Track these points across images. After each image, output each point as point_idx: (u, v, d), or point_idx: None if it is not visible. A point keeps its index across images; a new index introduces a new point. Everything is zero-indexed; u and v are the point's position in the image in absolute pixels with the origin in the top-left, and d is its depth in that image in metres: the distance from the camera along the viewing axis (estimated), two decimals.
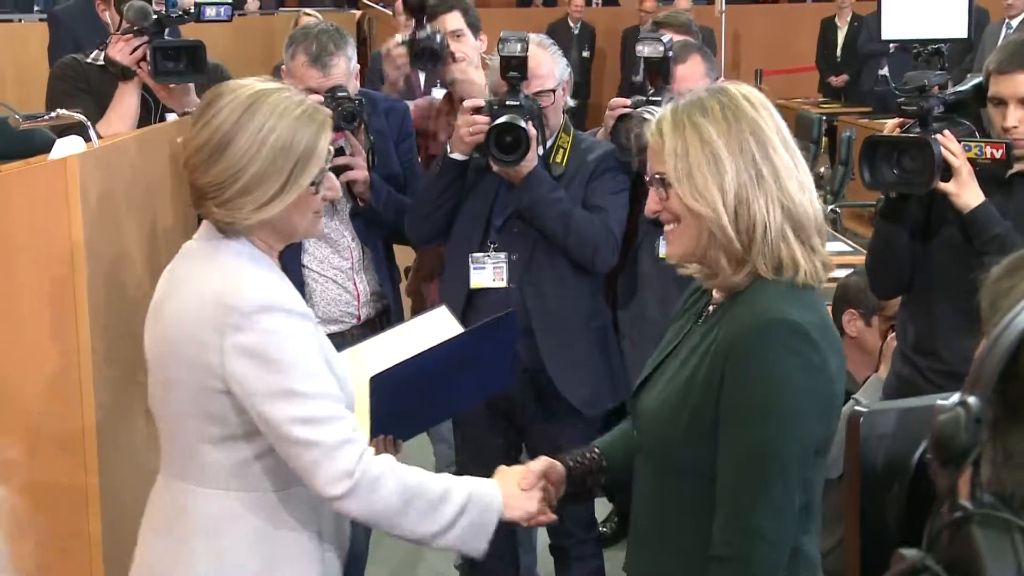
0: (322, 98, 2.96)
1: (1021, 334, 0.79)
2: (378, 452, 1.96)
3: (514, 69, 2.94)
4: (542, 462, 2.03)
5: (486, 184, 3.06)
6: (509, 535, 3.22)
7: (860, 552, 0.96)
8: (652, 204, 1.83)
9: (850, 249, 5.01)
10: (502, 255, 3.04)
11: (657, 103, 2.88)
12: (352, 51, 3.11)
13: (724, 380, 1.71)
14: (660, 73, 3.02)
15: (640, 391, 1.92)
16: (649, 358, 1.95)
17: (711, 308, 1.85)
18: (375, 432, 2.12)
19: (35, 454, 2.46)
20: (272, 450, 1.90)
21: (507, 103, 2.94)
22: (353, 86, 3.08)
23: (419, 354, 2.32)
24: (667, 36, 3.10)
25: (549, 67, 3.05)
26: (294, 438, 1.84)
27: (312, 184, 1.91)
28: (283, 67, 3.16)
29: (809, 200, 1.77)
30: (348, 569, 2.20)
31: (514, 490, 2.00)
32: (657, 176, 1.80)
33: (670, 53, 3.01)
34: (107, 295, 2.61)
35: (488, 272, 3.04)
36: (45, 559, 2.46)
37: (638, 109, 2.96)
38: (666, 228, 1.83)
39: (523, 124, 2.90)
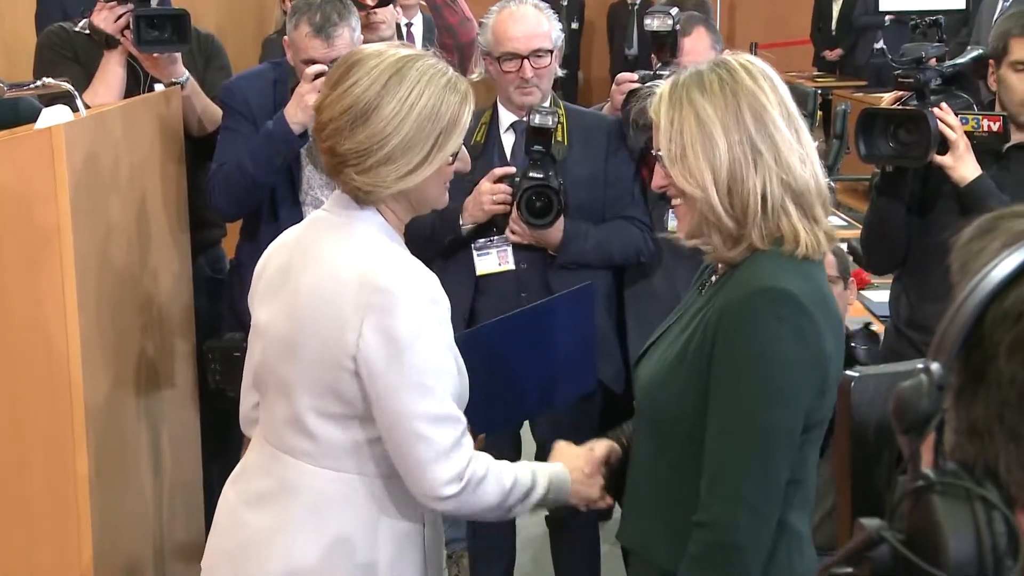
0: (325, 68, 2.93)
1: (986, 298, 0.78)
2: None
3: (540, 143, 2.89)
4: (604, 446, 2.03)
5: (479, 176, 2.99)
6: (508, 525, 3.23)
7: (852, 521, 0.95)
8: (658, 179, 1.82)
9: (844, 223, 5.00)
10: (504, 237, 3.01)
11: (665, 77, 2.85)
12: (356, 22, 3.05)
13: (715, 348, 1.71)
14: (668, 47, 2.98)
15: (642, 358, 1.92)
16: (653, 331, 1.95)
17: (714, 279, 1.85)
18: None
19: (20, 433, 2.44)
20: None
21: (530, 175, 2.90)
22: None
23: (487, 322, 2.30)
24: (675, 9, 3.06)
25: (547, 28, 3.01)
26: (418, 433, 1.80)
27: (451, 154, 1.88)
28: (285, 37, 3.11)
29: (811, 173, 1.75)
30: None
31: (579, 475, 1.99)
32: (657, 153, 1.80)
33: (678, 27, 2.98)
34: (95, 266, 2.59)
35: (492, 257, 3.01)
36: (34, 547, 2.45)
37: (647, 84, 2.93)
38: (673, 203, 1.82)
39: (554, 186, 2.87)
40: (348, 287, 1.81)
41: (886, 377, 0.91)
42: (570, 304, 2.30)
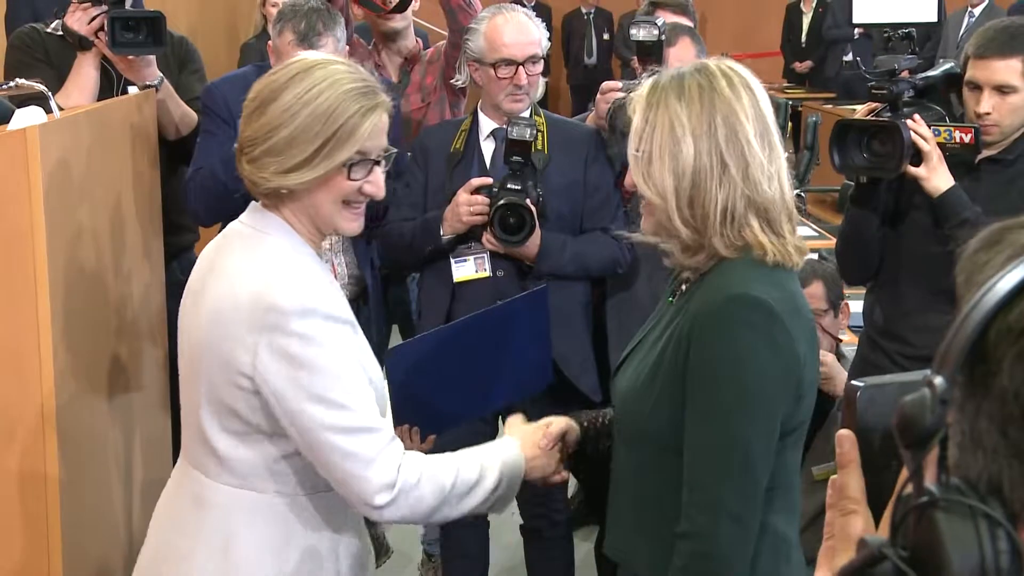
0: None
1: (991, 311, 0.77)
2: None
3: (518, 154, 2.88)
4: (561, 422, 2.02)
5: (458, 185, 2.98)
6: (481, 528, 3.22)
7: None
8: (630, 179, 1.81)
9: (815, 234, 5.03)
10: (481, 244, 2.99)
11: None
12: (341, 32, 3.03)
13: (689, 357, 1.70)
14: (653, 56, 2.98)
15: (619, 369, 1.91)
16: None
17: (684, 287, 1.84)
18: (396, 420, 2.04)
19: None
20: (297, 453, 1.82)
21: (508, 186, 2.89)
22: None
23: (439, 328, 2.27)
24: (661, 18, 3.06)
25: (538, 35, 3.03)
26: (335, 447, 1.77)
27: (345, 166, 1.81)
28: (269, 42, 3.09)
29: (779, 190, 1.73)
30: None
31: (533, 450, 1.98)
32: (631, 152, 1.79)
33: (663, 36, 2.98)
34: (67, 269, 2.56)
35: (470, 264, 3.00)
36: (3, 550, 2.42)
37: (631, 93, 2.92)
38: (642, 201, 1.81)
39: (527, 204, 2.87)
40: (241, 305, 1.78)
41: (893, 387, 0.90)
42: (525, 307, 2.30)
